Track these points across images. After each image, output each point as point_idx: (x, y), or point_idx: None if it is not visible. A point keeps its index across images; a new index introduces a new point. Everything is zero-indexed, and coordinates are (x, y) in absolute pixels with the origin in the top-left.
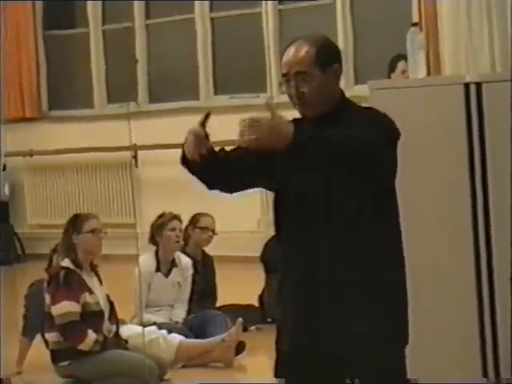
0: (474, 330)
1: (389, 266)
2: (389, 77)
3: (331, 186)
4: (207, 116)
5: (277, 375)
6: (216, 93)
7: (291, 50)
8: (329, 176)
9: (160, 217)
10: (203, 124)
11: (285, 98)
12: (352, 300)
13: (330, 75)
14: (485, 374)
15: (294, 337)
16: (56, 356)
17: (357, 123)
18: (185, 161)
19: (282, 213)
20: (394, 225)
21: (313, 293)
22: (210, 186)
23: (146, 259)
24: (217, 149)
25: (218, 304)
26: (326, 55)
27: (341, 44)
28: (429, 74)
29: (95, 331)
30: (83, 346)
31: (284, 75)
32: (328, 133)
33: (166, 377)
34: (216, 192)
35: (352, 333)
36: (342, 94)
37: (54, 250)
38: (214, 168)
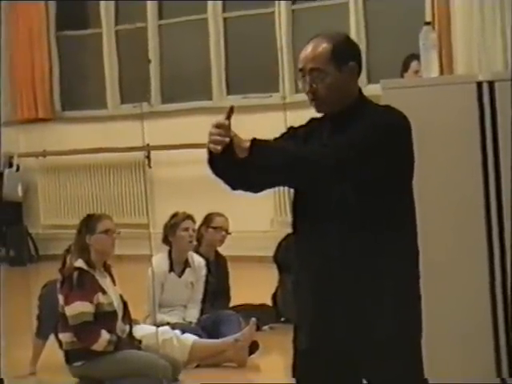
0: (488, 330)
1: (403, 263)
2: (402, 76)
3: (347, 183)
4: (231, 110)
5: (294, 375)
6: (229, 93)
7: (309, 46)
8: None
9: (173, 217)
10: (228, 117)
11: (298, 98)
12: (368, 298)
13: (346, 73)
14: (499, 373)
15: (310, 335)
16: (70, 356)
17: (367, 122)
18: (211, 160)
19: (299, 211)
20: (409, 221)
21: (329, 291)
22: (234, 186)
23: (159, 259)
24: None
25: (232, 304)
26: (343, 53)
27: None
28: (442, 72)
29: (109, 331)
30: (97, 347)
31: (300, 70)
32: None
33: (179, 377)
34: (239, 192)
35: (369, 330)
36: (360, 92)
37: (68, 251)
38: (238, 165)
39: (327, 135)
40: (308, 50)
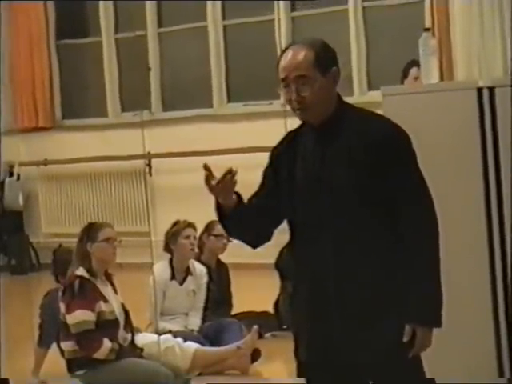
0: (490, 330)
1: (400, 269)
2: (402, 83)
3: (341, 190)
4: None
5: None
6: (229, 100)
7: (289, 54)
8: (339, 181)
9: (174, 225)
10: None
11: None
12: (364, 305)
13: (330, 78)
14: (501, 373)
15: (309, 345)
16: (72, 365)
17: (361, 133)
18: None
19: (293, 220)
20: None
21: (325, 299)
22: (253, 245)
23: (161, 267)
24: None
25: (234, 311)
26: (325, 58)
27: (354, 50)
28: (442, 79)
29: (110, 340)
30: (98, 355)
31: (283, 80)
32: None
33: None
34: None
35: (366, 337)
36: (340, 98)
37: (54, 261)
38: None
39: (312, 145)
40: (289, 58)
